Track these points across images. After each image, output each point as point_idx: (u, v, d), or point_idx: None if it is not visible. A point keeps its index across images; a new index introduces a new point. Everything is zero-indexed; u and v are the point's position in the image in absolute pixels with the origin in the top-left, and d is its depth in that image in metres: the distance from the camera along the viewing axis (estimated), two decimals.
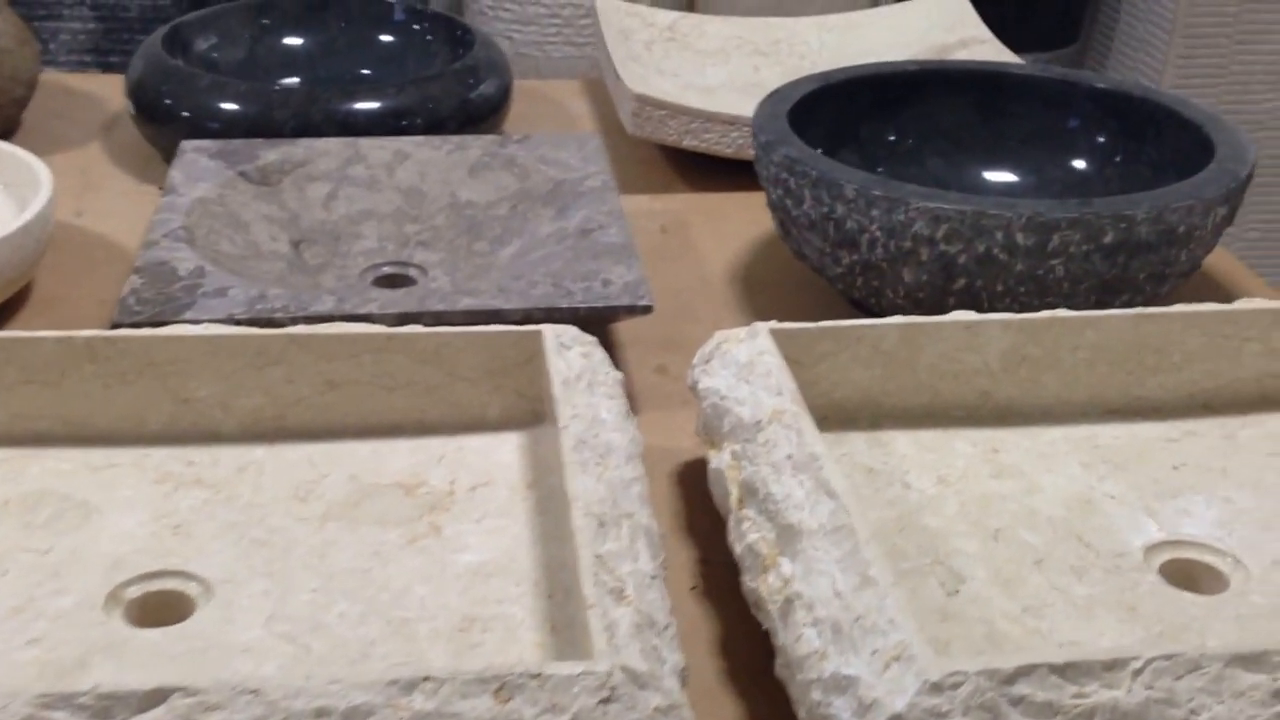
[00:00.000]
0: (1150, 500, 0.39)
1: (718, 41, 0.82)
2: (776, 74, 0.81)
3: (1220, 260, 0.60)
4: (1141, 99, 0.58)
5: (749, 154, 0.69)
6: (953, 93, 0.62)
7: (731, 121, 0.68)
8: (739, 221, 0.65)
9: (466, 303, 0.49)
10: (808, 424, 0.37)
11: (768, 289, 0.59)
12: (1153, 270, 0.48)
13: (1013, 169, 0.61)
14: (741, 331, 0.43)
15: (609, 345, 0.54)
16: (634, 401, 0.51)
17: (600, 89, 0.83)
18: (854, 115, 0.62)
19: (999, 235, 0.46)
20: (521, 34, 1.35)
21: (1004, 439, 0.43)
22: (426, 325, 0.47)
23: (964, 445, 0.42)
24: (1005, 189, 0.61)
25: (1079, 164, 0.60)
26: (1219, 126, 0.54)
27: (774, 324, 0.43)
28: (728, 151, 0.69)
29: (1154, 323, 0.43)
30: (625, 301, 0.49)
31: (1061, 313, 0.43)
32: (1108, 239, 0.46)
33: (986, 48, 0.77)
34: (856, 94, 0.61)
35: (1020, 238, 0.46)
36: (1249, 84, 1.23)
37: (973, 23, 0.79)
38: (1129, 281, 0.48)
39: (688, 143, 0.69)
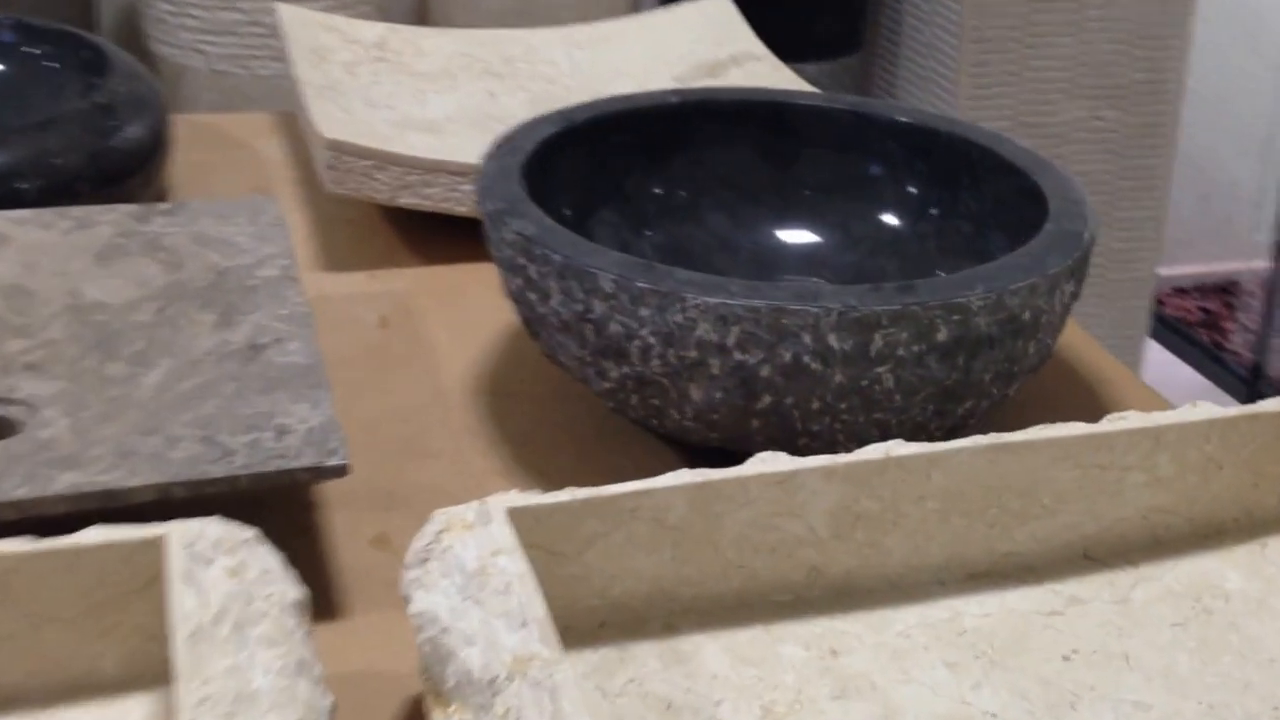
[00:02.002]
0: (1043, 718, 0.31)
1: (439, 61, 0.70)
2: (519, 102, 0.70)
3: (1068, 337, 0.53)
4: (950, 136, 0.50)
5: None
6: (728, 131, 0.53)
7: (461, 171, 0.57)
8: (485, 303, 0.54)
9: (67, 482, 0.35)
10: (565, 677, 0.26)
11: (527, 401, 0.48)
12: (999, 370, 0.40)
13: (812, 226, 0.52)
14: (469, 512, 0.32)
15: (306, 509, 0.42)
16: (343, 596, 0.38)
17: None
18: (612, 163, 0.51)
19: (807, 339, 0.37)
20: (216, 47, 1.19)
21: (844, 632, 0.33)
22: (5, 520, 0.33)
23: (793, 648, 0.32)
24: (805, 253, 0.52)
25: (889, 219, 0.52)
26: (1045, 171, 0.47)
27: (513, 497, 0.32)
28: (461, 210, 0.58)
29: (1014, 456, 0.34)
30: (307, 461, 0.36)
31: (898, 449, 0.34)
32: (941, 336, 0.38)
33: (762, 65, 0.69)
34: (610, 135, 0.51)
35: (834, 340, 0.37)
36: (1046, 92, 1.20)
37: (744, 36, 0.71)
38: (973, 386, 0.40)
39: (405, 200, 0.57)
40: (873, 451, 0.34)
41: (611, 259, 0.39)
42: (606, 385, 0.41)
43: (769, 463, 0.33)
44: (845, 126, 0.52)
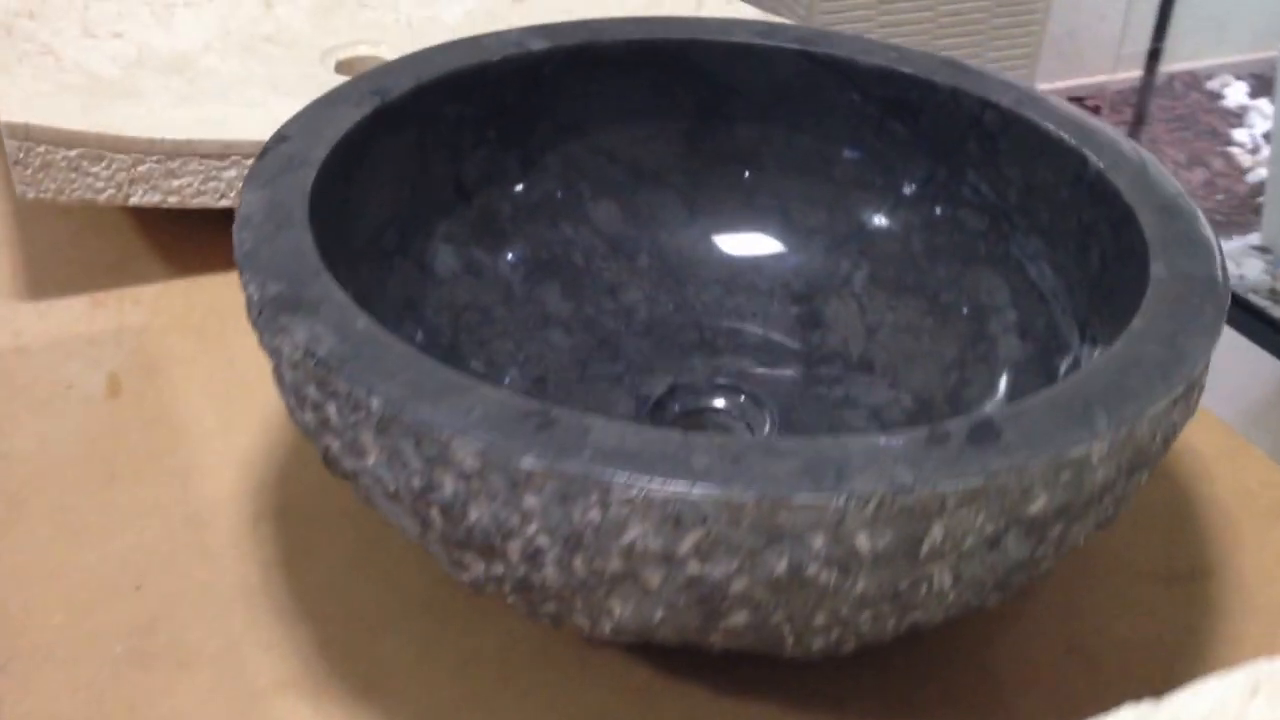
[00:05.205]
0: None
1: None
2: (303, 11, 0.51)
3: None
4: (953, 89, 0.34)
5: None
6: (617, 84, 0.36)
7: (221, 154, 0.38)
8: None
9: None
10: None
11: (342, 530, 0.32)
12: (1101, 519, 0.25)
13: (740, 216, 0.36)
14: None
15: None
16: None
17: None
18: (446, 148, 0.34)
19: (817, 542, 0.22)
20: None
21: None
22: None
23: None
24: (729, 256, 0.36)
25: (856, 206, 0.36)
26: (1109, 150, 0.31)
27: None
28: (226, 203, 0.40)
29: None
30: None
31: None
32: (1035, 508, 0.23)
33: None
34: (443, 106, 0.34)
35: (864, 541, 0.22)
36: None
37: None
38: (1058, 553, 0.25)
39: (141, 200, 0.38)
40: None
41: (474, 405, 0.22)
42: (470, 577, 0.25)
43: None
44: (789, 73, 0.35)
